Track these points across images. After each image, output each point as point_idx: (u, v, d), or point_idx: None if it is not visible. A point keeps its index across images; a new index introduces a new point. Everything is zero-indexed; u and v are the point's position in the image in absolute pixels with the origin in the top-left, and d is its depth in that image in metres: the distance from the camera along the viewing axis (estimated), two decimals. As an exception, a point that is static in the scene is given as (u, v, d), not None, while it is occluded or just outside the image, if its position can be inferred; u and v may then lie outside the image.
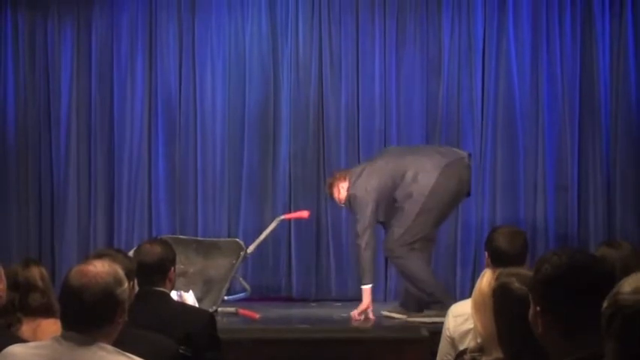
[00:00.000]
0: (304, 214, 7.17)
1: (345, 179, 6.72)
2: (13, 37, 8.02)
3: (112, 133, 8.00)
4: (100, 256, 3.69)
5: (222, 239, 7.30)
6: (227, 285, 6.74)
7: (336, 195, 6.75)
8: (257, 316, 6.51)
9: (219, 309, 6.51)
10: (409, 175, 6.52)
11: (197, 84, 8.03)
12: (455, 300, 6.11)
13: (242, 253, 6.81)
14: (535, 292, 2.38)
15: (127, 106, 8.00)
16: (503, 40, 7.92)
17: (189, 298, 5.94)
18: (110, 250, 4.32)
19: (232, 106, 8.00)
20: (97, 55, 8.02)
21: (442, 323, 4.77)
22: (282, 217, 7.17)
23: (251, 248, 6.88)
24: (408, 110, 7.96)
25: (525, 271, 2.95)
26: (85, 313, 2.94)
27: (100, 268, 3.00)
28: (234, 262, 6.81)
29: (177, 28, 8.03)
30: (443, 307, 6.01)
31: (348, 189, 6.63)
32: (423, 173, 6.50)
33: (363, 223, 6.48)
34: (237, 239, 7.13)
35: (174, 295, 4.98)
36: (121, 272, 3.04)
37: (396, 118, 7.97)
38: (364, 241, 6.45)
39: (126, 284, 3.03)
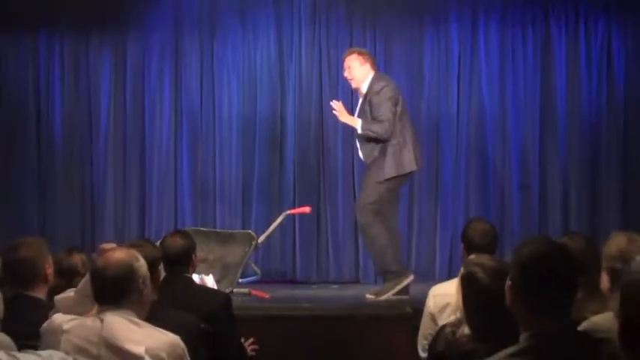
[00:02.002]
0: (306, 209, 7.15)
1: (373, 69, 6.38)
2: (59, 60, 8.02)
3: (143, 141, 8.00)
4: (132, 245, 3.73)
5: (237, 231, 7.30)
6: (241, 269, 6.74)
7: (354, 63, 6.38)
8: (267, 295, 6.52)
9: (235, 290, 6.53)
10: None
11: (216, 99, 8.02)
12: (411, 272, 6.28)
13: (254, 243, 6.81)
14: (512, 270, 2.40)
15: (156, 118, 8.00)
16: (475, 61, 7.91)
17: (209, 281, 5.95)
18: (140, 241, 4.35)
19: (245, 118, 8.00)
20: (131, 74, 8.03)
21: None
22: (288, 211, 7.17)
23: (261, 238, 6.88)
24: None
25: (491, 261, 2.97)
26: (108, 287, 2.98)
27: (119, 252, 3.07)
28: (247, 250, 6.81)
29: (199, 51, 8.03)
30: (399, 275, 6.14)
31: (373, 79, 6.31)
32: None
33: (386, 116, 6.18)
34: (250, 231, 7.12)
35: (196, 278, 5.01)
36: (136, 252, 3.08)
37: (385, 128, 7.97)
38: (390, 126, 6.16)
39: (142, 260, 3.07)
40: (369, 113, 6.27)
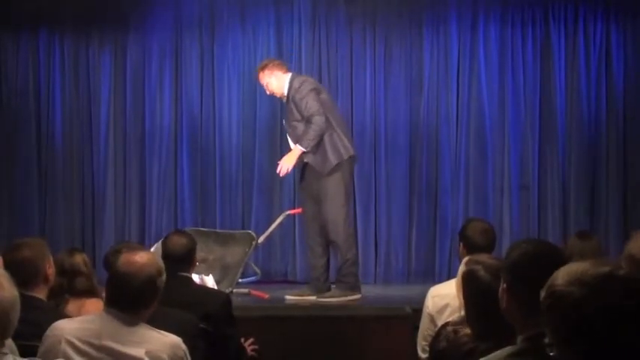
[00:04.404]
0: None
1: (286, 71, 6.39)
2: (60, 60, 8.02)
3: (143, 141, 8.00)
4: (119, 250, 3.73)
5: (237, 231, 7.29)
6: (241, 270, 6.73)
7: (266, 79, 6.36)
8: (266, 296, 6.51)
9: (235, 290, 6.52)
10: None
11: (216, 99, 8.02)
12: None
13: (254, 243, 6.81)
14: (504, 273, 2.40)
15: (156, 118, 8.00)
16: (475, 62, 7.92)
17: (209, 281, 5.94)
18: (130, 244, 4.36)
19: (245, 118, 8.01)
20: (131, 75, 8.03)
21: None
22: (288, 212, 7.15)
23: (261, 239, 6.87)
24: (394, 121, 7.96)
25: (491, 260, 2.96)
26: (131, 298, 2.94)
27: (146, 259, 3.01)
28: (247, 250, 6.80)
29: (199, 51, 8.04)
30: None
31: (291, 80, 6.28)
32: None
33: (315, 108, 6.14)
34: (250, 231, 7.11)
35: (196, 278, 5.00)
36: (161, 264, 3.05)
37: (384, 128, 7.97)
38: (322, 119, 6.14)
39: (164, 275, 3.04)
40: (295, 111, 6.25)
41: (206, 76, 8.02)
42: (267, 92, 6.53)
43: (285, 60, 7.88)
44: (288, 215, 7.16)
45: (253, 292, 6.59)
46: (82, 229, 7.96)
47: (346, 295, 6.22)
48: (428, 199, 7.89)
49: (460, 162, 7.90)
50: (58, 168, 7.98)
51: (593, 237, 4.33)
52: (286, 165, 6.25)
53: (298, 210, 7.16)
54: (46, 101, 8.01)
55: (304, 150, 6.19)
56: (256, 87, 7.94)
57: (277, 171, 6.37)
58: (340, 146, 6.25)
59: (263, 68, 6.44)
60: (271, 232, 6.99)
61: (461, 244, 4.41)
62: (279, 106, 7.92)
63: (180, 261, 4.17)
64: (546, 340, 2.19)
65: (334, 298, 6.22)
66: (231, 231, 7.26)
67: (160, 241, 4.72)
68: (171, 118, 8.00)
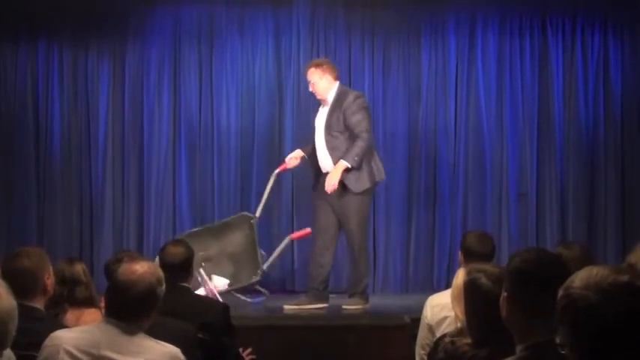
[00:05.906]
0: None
1: (336, 79, 6.30)
2: (59, 69, 8.01)
3: (142, 149, 7.99)
4: (120, 259, 3.73)
5: (229, 218, 7.15)
6: (259, 252, 6.63)
7: (316, 77, 6.29)
8: (309, 230, 6.50)
9: (265, 267, 6.60)
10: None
11: (214, 107, 8.02)
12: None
13: (252, 222, 6.71)
14: (506, 281, 2.40)
15: (154, 126, 8.00)
16: (473, 71, 7.95)
17: (218, 282, 5.92)
18: (131, 252, 4.36)
19: (244, 126, 8.01)
20: (129, 83, 8.03)
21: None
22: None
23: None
24: (393, 131, 7.97)
25: (492, 267, 2.96)
26: (130, 307, 2.93)
27: (146, 268, 3.00)
28: (248, 232, 6.72)
29: (198, 60, 8.04)
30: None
31: (340, 90, 6.26)
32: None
33: (365, 126, 6.14)
34: (244, 212, 7.01)
35: (203, 281, 4.97)
36: (161, 273, 3.04)
37: (383, 137, 7.97)
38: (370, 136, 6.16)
39: (164, 284, 3.04)
40: (342, 122, 6.18)
41: (204, 84, 8.03)
42: (310, 89, 6.42)
43: (284, 68, 7.93)
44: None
45: (294, 236, 6.66)
46: (80, 237, 7.94)
47: (364, 303, 6.29)
48: (426, 208, 7.89)
49: (458, 171, 7.91)
50: (56, 176, 7.97)
51: (574, 245, 4.33)
52: (332, 181, 6.07)
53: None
54: (45, 110, 8.00)
55: (349, 166, 6.06)
56: (254, 94, 7.98)
57: (325, 189, 6.19)
58: (375, 170, 6.23)
59: (318, 66, 6.34)
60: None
61: (460, 252, 4.42)
62: (278, 114, 7.94)
63: (177, 270, 4.17)
64: (557, 340, 2.21)
65: (356, 306, 6.26)
66: (223, 220, 7.18)
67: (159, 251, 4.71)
68: (170, 127, 8.00)
